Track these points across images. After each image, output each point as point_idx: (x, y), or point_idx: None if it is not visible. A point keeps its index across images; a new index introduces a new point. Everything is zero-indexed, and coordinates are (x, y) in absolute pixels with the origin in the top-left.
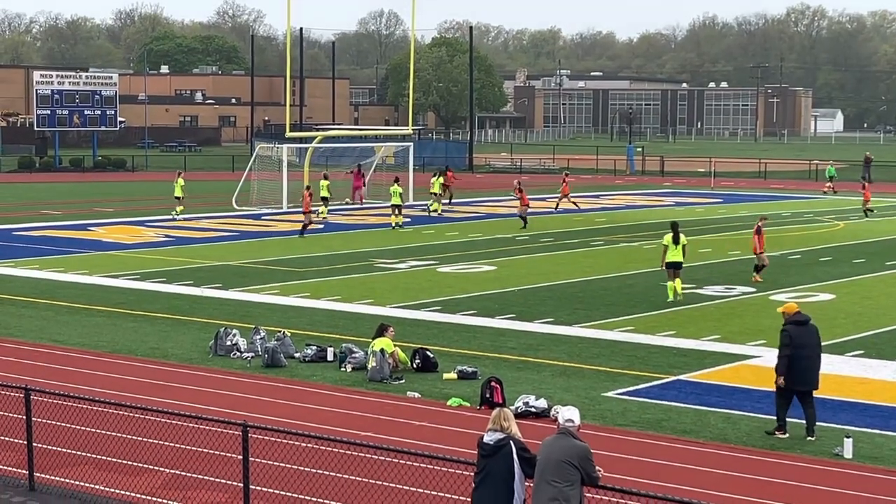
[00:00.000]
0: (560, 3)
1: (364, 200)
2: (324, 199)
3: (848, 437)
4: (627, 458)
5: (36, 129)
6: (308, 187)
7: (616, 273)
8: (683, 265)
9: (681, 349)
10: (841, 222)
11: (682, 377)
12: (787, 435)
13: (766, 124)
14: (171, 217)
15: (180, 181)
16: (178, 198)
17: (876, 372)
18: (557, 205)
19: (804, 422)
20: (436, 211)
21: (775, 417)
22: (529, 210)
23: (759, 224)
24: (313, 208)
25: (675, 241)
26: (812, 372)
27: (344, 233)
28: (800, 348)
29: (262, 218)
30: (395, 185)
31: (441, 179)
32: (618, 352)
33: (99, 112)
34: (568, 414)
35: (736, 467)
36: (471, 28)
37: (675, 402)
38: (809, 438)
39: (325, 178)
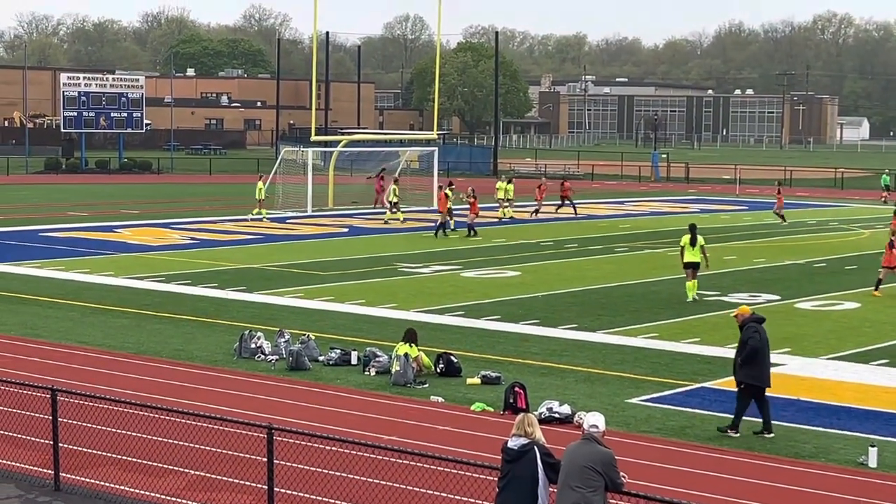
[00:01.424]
0: (586, 9)
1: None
2: (393, 203)
3: (873, 445)
4: (651, 464)
5: (62, 130)
6: (441, 187)
7: (640, 280)
8: (700, 266)
9: (705, 356)
10: (866, 231)
11: (706, 384)
12: (739, 434)
13: (792, 132)
14: (250, 217)
15: (260, 184)
16: (259, 200)
17: None
18: (558, 208)
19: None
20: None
21: (735, 414)
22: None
23: (893, 239)
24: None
25: (693, 242)
26: (769, 370)
27: (368, 237)
28: (764, 346)
29: (287, 221)
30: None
31: (510, 186)
32: (642, 358)
33: (125, 114)
34: (593, 420)
35: (759, 475)
36: (496, 33)
37: (700, 410)
38: (769, 435)
39: (396, 182)
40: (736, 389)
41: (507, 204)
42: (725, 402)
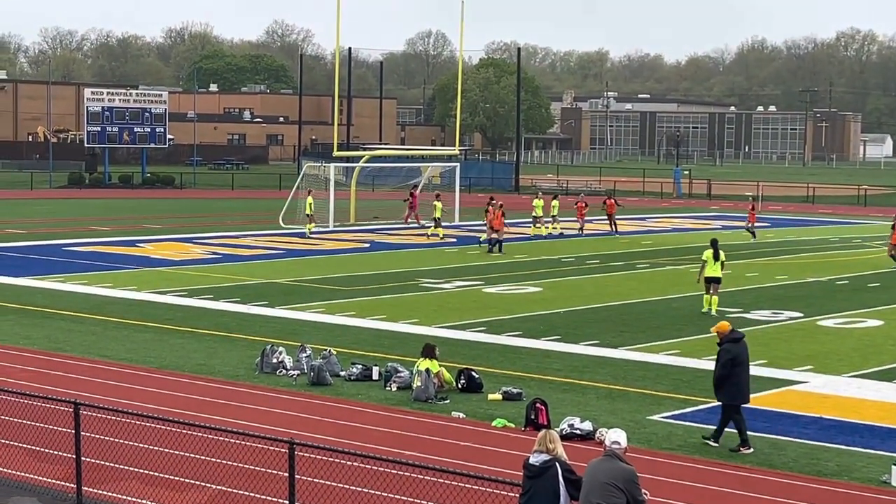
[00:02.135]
0: (608, 26)
1: (409, 220)
2: (436, 220)
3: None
4: (672, 482)
5: (86, 145)
6: (492, 204)
7: (662, 296)
8: (721, 281)
9: None
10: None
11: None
12: (752, 450)
13: (815, 149)
14: (304, 233)
15: (310, 199)
16: (308, 215)
17: None
18: (582, 228)
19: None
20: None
21: (737, 432)
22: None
23: None
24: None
25: (716, 257)
26: (748, 387)
27: (389, 252)
28: (739, 365)
29: (309, 236)
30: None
31: (555, 202)
32: (663, 375)
33: (148, 129)
34: (615, 436)
35: (782, 493)
36: (518, 49)
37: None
38: (714, 445)
39: (438, 198)
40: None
41: (549, 221)
42: (748, 419)
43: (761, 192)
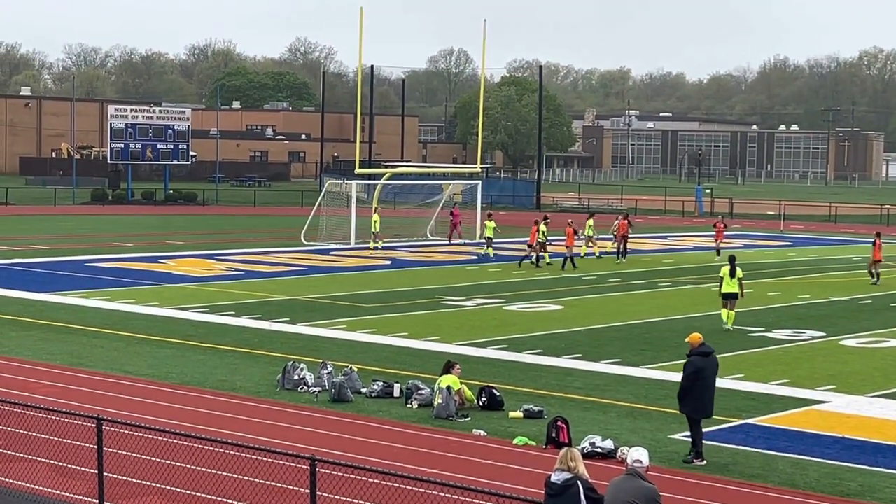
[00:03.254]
0: (630, 44)
1: (453, 239)
2: (488, 238)
3: None
4: (694, 500)
5: (109, 161)
6: (570, 223)
7: (684, 315)
8: (739, 297)
9: (749, 392)
10: None
11: (750, 421)
12: (705, 462)
13: (837, 168)
14: (372, 248)
15: (376, 216)
16: (374, 233)
17: None
18: (618, 249)
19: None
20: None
21: (692, 443)
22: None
23: None
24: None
25: (732, 273)
26: (712, 402)
27: (411, 269)
28: (702, 379)
29: (331, 253)
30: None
31: (590, 221)
32: None
33: (171, 146)
34: (637, 455)
35: None
36: (540, 67)
37: (743, 446)
38: (699, 462)
39: (490, 217)
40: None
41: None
42: (770, 438)
43: (783, 211)
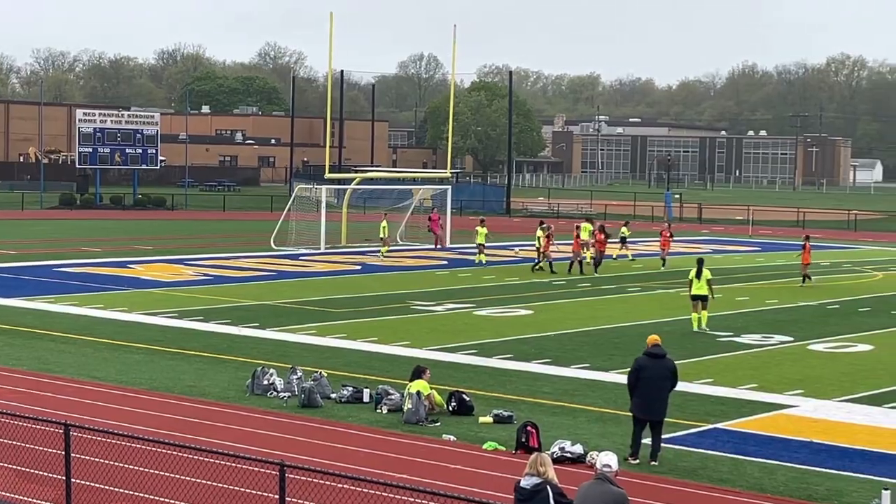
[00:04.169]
0: (600, 49)
1: (438, 245)
2: (480, 245)
3: (886, 489)
4: None
5: (77, 166)
6: (579, 227)
7: (653, 320)
8: (710, 298)
9: (718, 397)
10: (880, 273)
11: (718, 425)
12: (637, 461)
13: (805, 173)
14: (382, 255)
15: (384, 223)
16: (382, 238)
17: None
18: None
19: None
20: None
21: (631, 442)
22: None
23: None
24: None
25: (698, 275)
26: (657, 403)
27: (380, 274)
28: (647, 380)
29: (300, 258)
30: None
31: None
32: None
33: (140, 151)
34: (606, 459)
35: None
36: (510, 73)
37: (712, 451)
38: (653, 463)
39: (482, 223)
40: None
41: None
42: (739, 443)
43: (752, 217)
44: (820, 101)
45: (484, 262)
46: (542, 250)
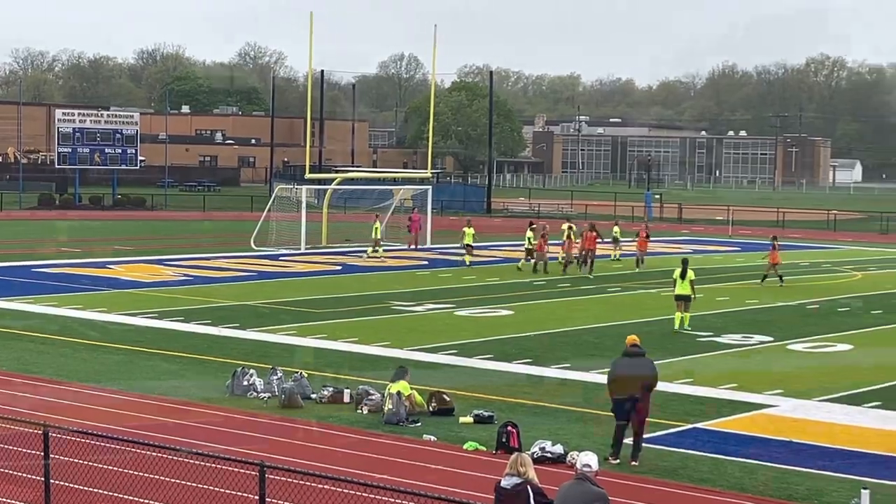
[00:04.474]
0: (580, 50)
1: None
2: (468, 246)
3: (865, 488)
4: None
5: (57, 166)
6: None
7: (632, 320)
8: (692, 298)
9: (698, 397)
10: (859, 273)
11: (698, 425)
12: (618, 461)
13: (785, 173)
14: (370, 255)
15: (377, 224)
16: (375, 239)
17: (894, 424)
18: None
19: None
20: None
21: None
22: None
23: None
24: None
25: (683, 275)
26: (626, 405)
27: (361, 275)
28: (619, 378)
29: (281, 258)
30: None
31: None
32: None
33: (120, 150)
34: (586, 459)
35: None
36: (491, 73)
37: (692, 451)
38: (633, 463)
39: (469, 224)
40: None
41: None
42: (719, 443)
43: (732, 217)
44: (800, 101)
45: (468, 262)
46: (536, 250)
